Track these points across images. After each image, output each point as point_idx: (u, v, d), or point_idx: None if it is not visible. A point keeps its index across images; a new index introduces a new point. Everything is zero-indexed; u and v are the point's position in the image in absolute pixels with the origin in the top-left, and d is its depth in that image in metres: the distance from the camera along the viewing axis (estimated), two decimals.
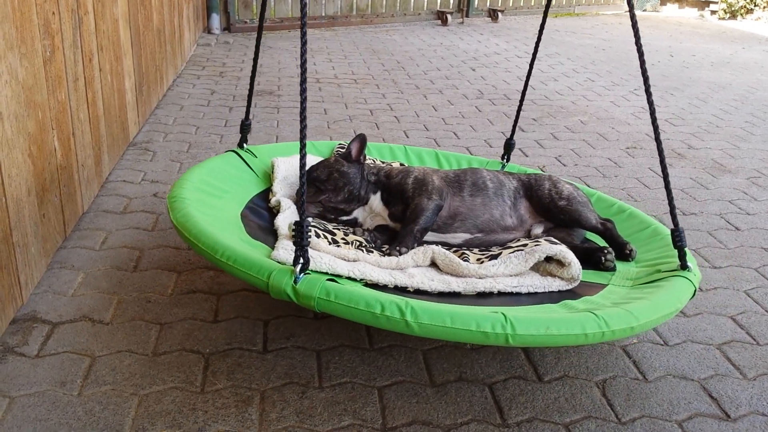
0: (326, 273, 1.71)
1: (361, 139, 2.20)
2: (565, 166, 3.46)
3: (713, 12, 10.37)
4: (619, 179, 3.31)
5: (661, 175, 1.95)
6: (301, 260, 1.56)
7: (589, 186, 3.18)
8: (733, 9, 10.15)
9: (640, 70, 2.04)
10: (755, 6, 10.08)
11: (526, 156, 3.60)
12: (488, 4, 8.97)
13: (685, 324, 2.08)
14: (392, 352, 1.86)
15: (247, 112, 2.43)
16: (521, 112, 4.47)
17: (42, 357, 1.75)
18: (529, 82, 2.64)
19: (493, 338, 1.45)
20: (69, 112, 2.32)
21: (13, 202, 1.84)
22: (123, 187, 2.86)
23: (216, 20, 6.68)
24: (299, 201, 1.59)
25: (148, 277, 2.17)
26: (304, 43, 1.55)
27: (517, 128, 4.07)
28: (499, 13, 8.81)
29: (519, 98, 4.75)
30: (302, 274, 1.56)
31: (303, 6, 1.55)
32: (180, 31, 5.03)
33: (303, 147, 1.57)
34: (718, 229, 2.78)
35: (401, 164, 2.63)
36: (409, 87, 5.03)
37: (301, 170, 1.57)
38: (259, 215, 2.16)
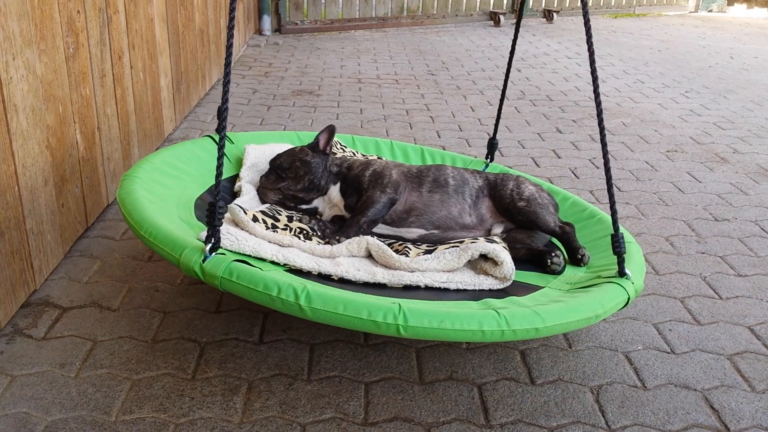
0: (248, 255, 1.74)
1: (330, 131, 2.22)
2: (597, 168, 3.37)
3: None
4: (653, 183, 3.20)
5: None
6: (213, 240, 1.60)
7: (620, 189, 3.09)
8: None
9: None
10: None
11: (559, 158, 3.52)
12: (543, 4, 8.82)
13: (698, 332, 1.99)
14: (386, 348, 1.86)
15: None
16: (563, 113, 4.40)
17: (48, 339, 1.83)
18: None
19: (384, 328, 1.46)
20: (94, 106, 2.41)
21: (28, 191, 1.92)
22: None
23: (267, 22, 6.81)
24: (216, 183, 1.62)
25: (161, 267, 2.23)
26: None
27: (555, 130, 4.00)
28: (555, 14, 8.64)
29: (560, 99, 4.68)
30: (213, 253, 1.60)
31: None
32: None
33: (223, 120, 1.59)
34: (750, 236, 2.65)
35: (378, 158, 2.62)
36: (450, 87, 5.00)
37: (219, 151, 1.59)
38: (222, 199, 2.17)
